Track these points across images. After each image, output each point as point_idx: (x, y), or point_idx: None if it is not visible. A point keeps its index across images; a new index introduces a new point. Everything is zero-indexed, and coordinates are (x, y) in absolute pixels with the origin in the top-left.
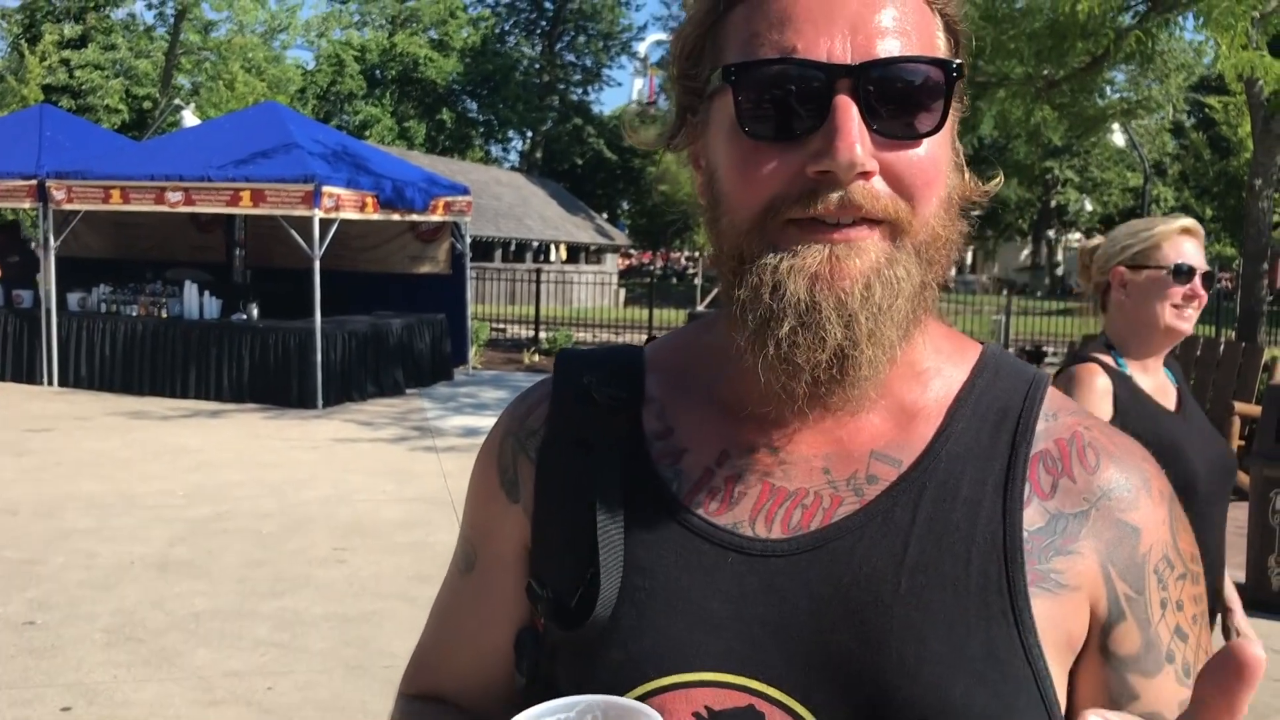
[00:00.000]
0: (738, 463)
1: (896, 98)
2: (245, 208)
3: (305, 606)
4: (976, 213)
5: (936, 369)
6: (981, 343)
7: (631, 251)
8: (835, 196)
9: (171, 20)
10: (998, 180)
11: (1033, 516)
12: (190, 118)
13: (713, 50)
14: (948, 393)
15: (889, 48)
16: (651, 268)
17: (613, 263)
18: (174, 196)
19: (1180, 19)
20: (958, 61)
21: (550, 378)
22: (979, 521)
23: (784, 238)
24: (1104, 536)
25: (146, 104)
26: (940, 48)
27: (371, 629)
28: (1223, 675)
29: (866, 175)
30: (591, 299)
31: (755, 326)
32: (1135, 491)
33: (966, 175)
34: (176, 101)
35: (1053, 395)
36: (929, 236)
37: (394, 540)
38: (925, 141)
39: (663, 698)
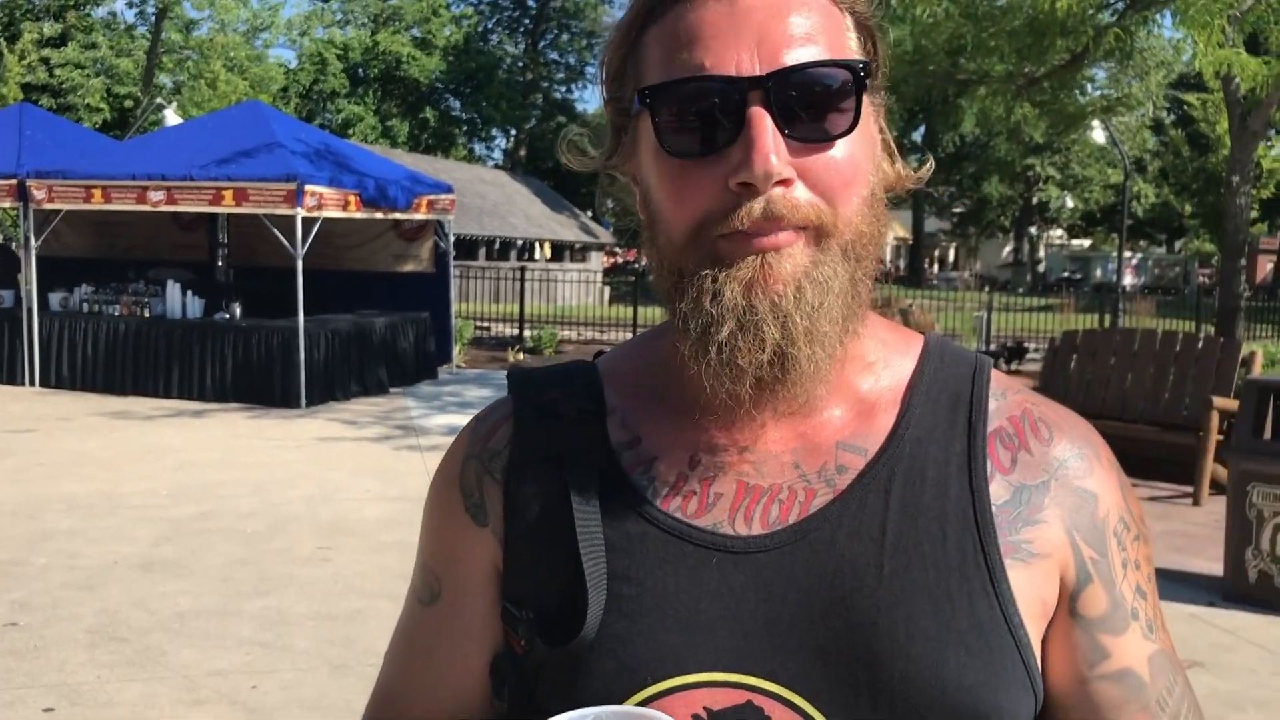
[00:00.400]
0: (709, 465)
1: (808, 103)
2: (228, 207)
3: (289, 605)
4: (959, 210)
5: (885, 360)
6: (922, 333)
7: (617, 250)
8: (759, 208)
9: (153, 19)
10: (929, 166)
11: (998, 491)
12: (172, 117)
13: (634, 71)
14: (899, 382)
15: (796, 55)
16: (636, 265)
17: (598, 261)
18: (156, 196)
19: (1158, 16)
20: (864, 60)
21: (506, 399)
22: (949, 500)
23: (718, 251)
24: (1065, 504)
25: (128, 103)
26: (851, 47)
27: (356, 628)
28: None
29: (786, 183)
30: (576, 297)
31: (698, 334)
32: (1088, 460)
33: (897, 164)
34: (158, 100)
35: (998, 376)
36: (854, 235)
37: (378, 539)
38: (841, 142)
39: (660, 702)
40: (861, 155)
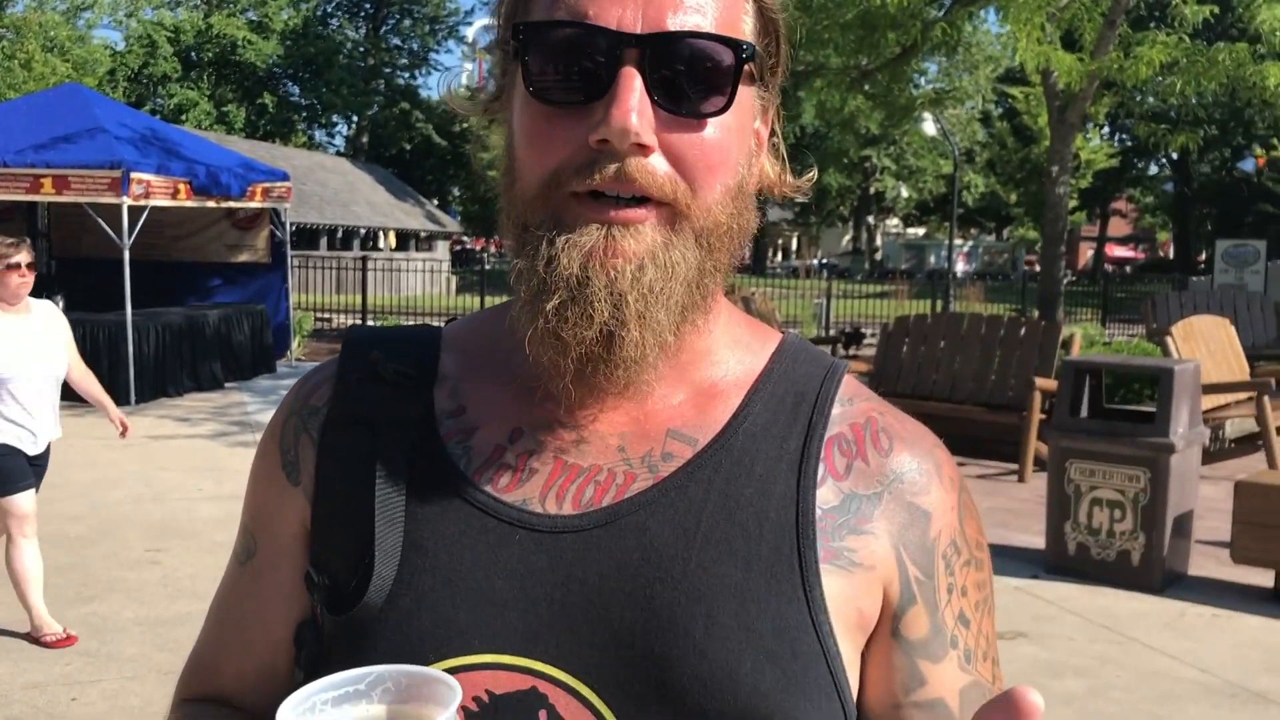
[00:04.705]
0: (531, 440)
1: (682, 74)
2: (47, 195)
3: (115, 611)
4: (801, 199)
5: (735, 355)
6: (782, 332)
7: (464, 238)
8: (612, 168)
9: None
10: (811, 175)
11: (826, 495)
12: None
13: (523, 9)
14: (746, 377)
15: (681, 22)
16: (484, 254)
17: (444, 250)
18: None
19: (983, 13)
20: (749, 43)
21: (338, 356)
22: (772, 498)
23: (566, 210)
24: (896, 519)
25: None
26: (744, 30)
27: (188, 631)
28: (997, 716)
29: (645, 150)
30: (422, 287)
31: (528, 298)
32: (927, 476)
33: (780, 169)
34: None
35: (849, 382)
36: (711, 223)
37: (212, 539)
38: (711, 124)
39: None
40: (732, 143)
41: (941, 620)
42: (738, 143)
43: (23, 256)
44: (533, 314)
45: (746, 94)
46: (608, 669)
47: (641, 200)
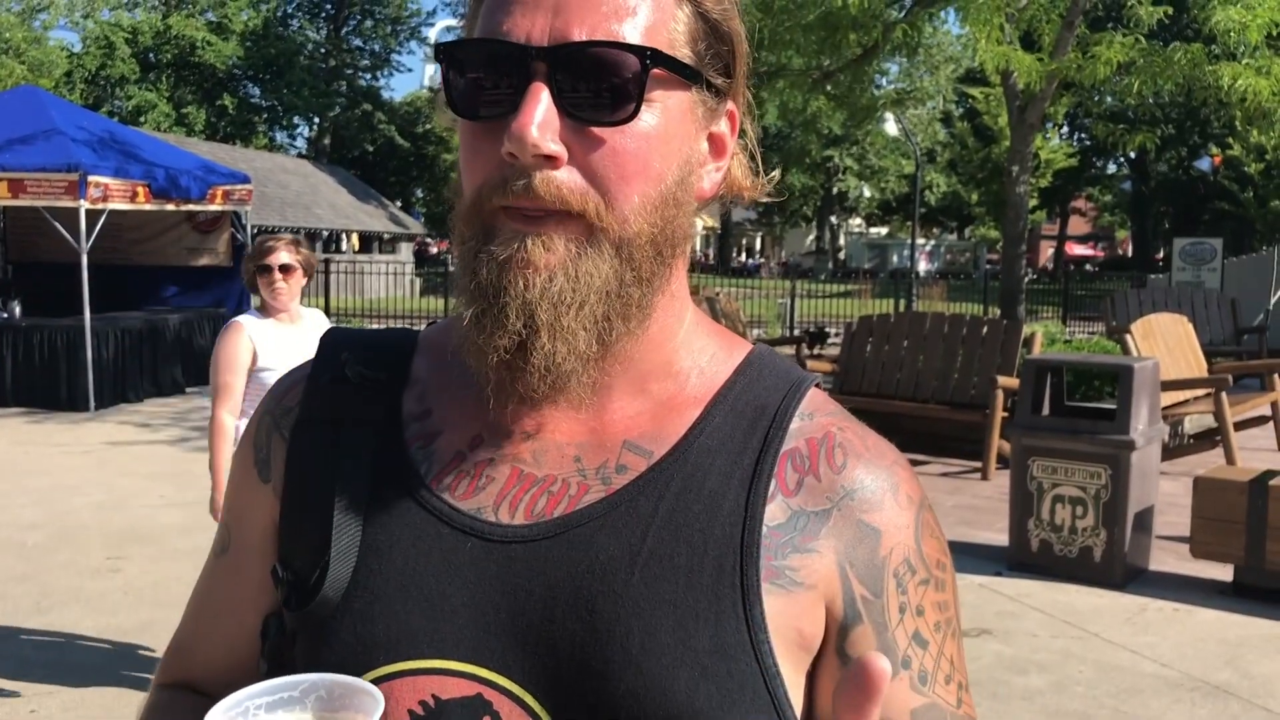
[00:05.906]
0: (490, 447)
1: (589, 84)
2: (3, 199)
3: (75, 621)
4: (764, 199)
5: (698, 367)
6: (753, 344)
7: (428, 240)
8: (521, 184)
9: None
10: (773, 175)
11: (775, 513)
12: None
13: (469, 30)
14: (708, 389)
15: (589, 31)
16: (447, 256)
17: (408, 252)
18: None
19: (944, 14)
20: (651, 49)
21: (314, 357)
22: (720, 515)
23: (492, 223)
24: (844, 536)
25: None
26: (671, 38)
27: (150, 640)
28: (850, 689)
29: (553, 161)
30: (386, 289)
31: (461, 307)
32: (880, 493)
33: (755, 172)
34: None
35: (813, 396)
36: (629, 234)
37: (173, 546)
38: (626, 133)
39: (390, 684)
40: (653, 152)
41: (892, 640)
42: (661, 151)
43: (277, 258)
44: (461, 323)
45: (677, 99)
46: (550, 679)
47: (556, 213)
